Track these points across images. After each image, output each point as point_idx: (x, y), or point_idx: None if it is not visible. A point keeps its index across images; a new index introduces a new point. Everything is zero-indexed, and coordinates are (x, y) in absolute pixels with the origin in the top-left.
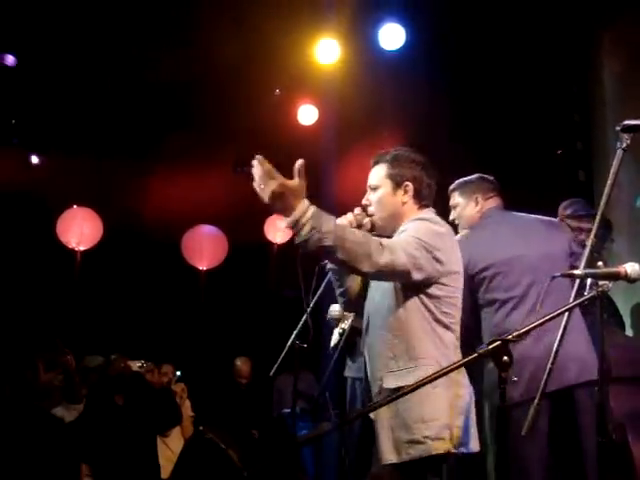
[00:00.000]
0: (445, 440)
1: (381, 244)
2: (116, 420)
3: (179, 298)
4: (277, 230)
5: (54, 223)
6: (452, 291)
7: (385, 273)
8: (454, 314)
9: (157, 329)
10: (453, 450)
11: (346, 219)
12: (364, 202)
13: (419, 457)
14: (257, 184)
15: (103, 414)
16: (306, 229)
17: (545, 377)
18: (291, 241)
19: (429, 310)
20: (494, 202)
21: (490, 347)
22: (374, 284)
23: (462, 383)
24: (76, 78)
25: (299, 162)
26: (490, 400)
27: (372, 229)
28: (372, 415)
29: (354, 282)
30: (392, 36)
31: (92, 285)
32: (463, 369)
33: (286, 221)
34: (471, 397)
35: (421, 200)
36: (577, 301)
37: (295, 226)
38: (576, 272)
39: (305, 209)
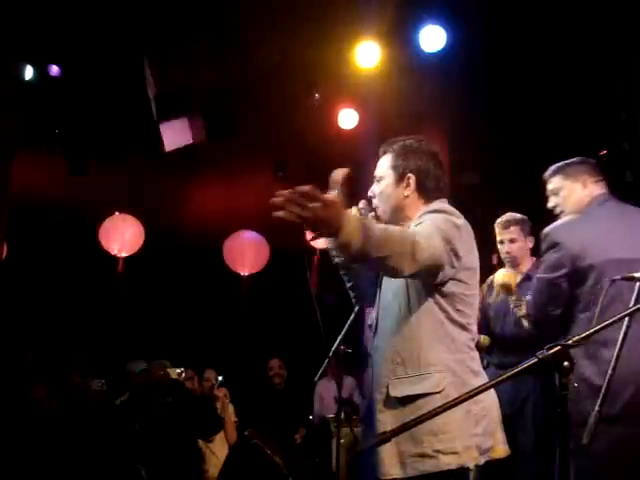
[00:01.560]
0: (459, 454)
1: (416, 240)
2: (157, 426)
3: (221, 304)
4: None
5: (96, 230)
6: (468, 288)
7: (423, 272)
8: (470, 314)
9: (199, 334)
10: (469, 465)
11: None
12: (369, 194)
13: (427, 473)
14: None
15: (146, 420)
16: (356, 244)
17: (605, 385)
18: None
19: (443, 310)
20: (603, 187)
21: (550, 352)
22: (385, 283)
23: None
24: (118, 87)
25: (342, 172)
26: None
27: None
28: (378, 423)
29: (361, 277)
30: (433, 38)
31: (134, 291)
32: (482, 372)
33: (333, 242)
34: (494, 400)
35: (427, 193)
36: (637, 306)
37: (346, 246)
38: (636, 275)
39: (352, 227)
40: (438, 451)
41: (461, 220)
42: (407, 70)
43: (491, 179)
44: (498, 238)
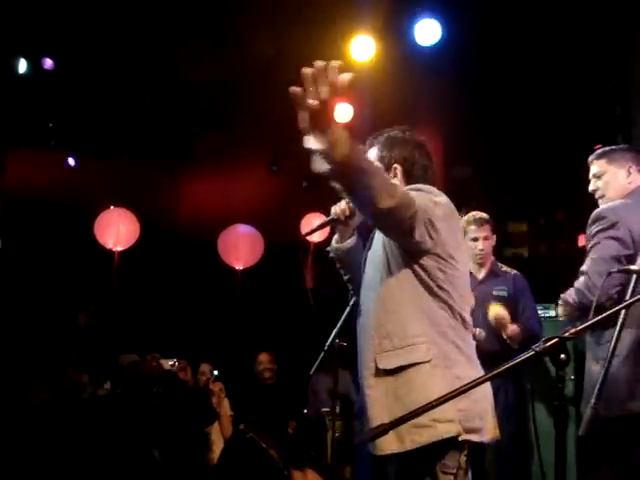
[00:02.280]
0: (454, 422)
1: (395, 184)
2: (150, 418)
3: (215, 297)
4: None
5: (92, 224)
6: (451, 268)
7: (397, 212)
8: (453, 295)
9: (193, 328)
10: (465, 435)
11: (339, 207)
12: None
13: (425, 444)
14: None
15: (138, 412)
16: (343, 150)
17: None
18: (328, 240)
19: (424, 283)
20: None
21: (547, 344)
22: (368, 260)
23: (465, 366)
24: (112, 81)
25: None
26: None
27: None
28: (368, 399)
29: (357, 270)
30: (428, 32)
31: (130, 285)
32: (470, 353)
33: (323, 140)
34: (486, 386)
35: (414, 183)
36: (633, 299)
37: (335, 145)
38: (633, 267)
39: (343, 133)
40: (434, 420)
41: (440, 198)
42: (402, 64)
43: (484, 172)
44: (472, 235)
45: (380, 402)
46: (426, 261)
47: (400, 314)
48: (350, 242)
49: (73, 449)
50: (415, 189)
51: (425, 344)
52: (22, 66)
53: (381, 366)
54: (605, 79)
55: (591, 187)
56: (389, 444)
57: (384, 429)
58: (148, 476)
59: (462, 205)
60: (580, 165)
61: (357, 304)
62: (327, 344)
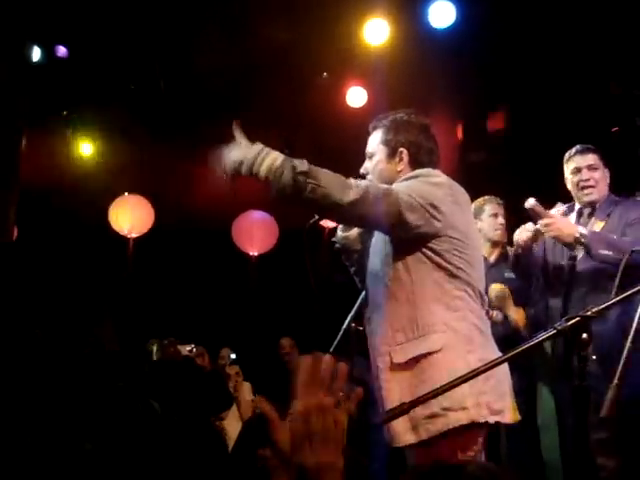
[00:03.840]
0: (468, 409)
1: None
2: (168, 404)
3: (230, 284)
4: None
5: (106, 211)
6: (464, 246)
7: (368, 208)
8: (470, 272)
9: (209, 314)
10: (481, 419)
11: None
12: (362, 171)
13: (439, 432)
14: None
15: (157, 398)
16: (286, 175)
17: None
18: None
19: (442, 268)
20: None
21: (569, 323)
22: (372, 250)
23: (486, 345)
24: (126, 67)
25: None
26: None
27: None
28: (384, 392)
29: (363, 262)
30: (442, 13)
31: (144, 271)
32: (487, 331)
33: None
34: (504, 366)
35: (421, 167)
36: None
37: (273, 175)
38: None
39: (270, 156)
40: (447, 409)
41: (440, 179)
42: (416, 47)
43: (501, 157)
44: (490, 212)
45: (396, 395)
46: (439, 245)
47: (413, 305)
48: (356, 230)
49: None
50: (411, 176)
51: (437, 333)
52: (36, 54)
53: (395, 360)
54: (624, 62)
55: (585, 176)
56: (404, 435)
57: (394, 414)
58: (157, 461)
59: (478, 190)
60: (598, 149)
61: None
62: (343, 328)
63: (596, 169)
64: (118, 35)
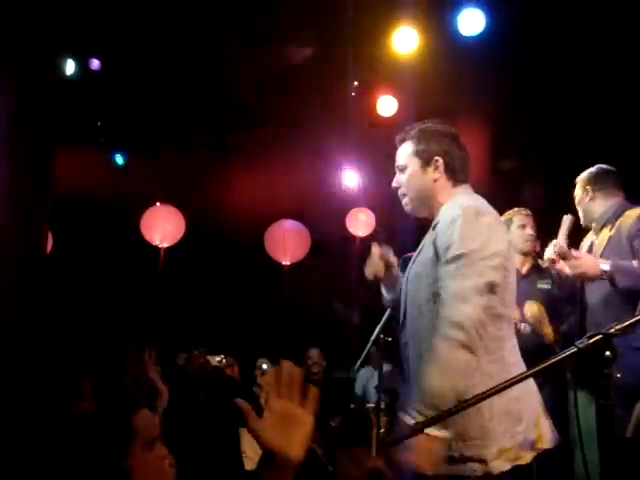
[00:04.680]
0: (487, 463)
1: (452, 329)
2: (198, 415)
3: (262, 293)
4: (359, 223)
5: (138, 220)
6: (508, 275)
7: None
8: (512, 300)
9: (240, 324)
10: (496, 471)
11: (369, 269)
12: (394, 185)
13: (455, 474)
14: None
15: (186, 409)
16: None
17: None
18: (373, 234)
19: (490, 307)
20: None
21: (591, 341)
22: (415, 280)
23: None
24: (158, 79)
25: None
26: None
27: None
28: (409, 420)
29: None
30: (471, 21)
31: (176, 281)
32: (519, 361)
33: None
34: (532, 387)
35: (454, 175)
36: None
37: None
38: None
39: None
40: (465, 457)
41: (488, 214)
42: (445, 55)
43: (532, 164)
44: (519, 223)
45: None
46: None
47: None
48: (399, 287)
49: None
50: (460, 214)
51: (474, 377)
52: (70, 68)
53: None
54: None
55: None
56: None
57: (415, 429)
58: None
59: (509, 198)
60: (634, 154)
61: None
62: (371, 339)
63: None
64: (150, 47)
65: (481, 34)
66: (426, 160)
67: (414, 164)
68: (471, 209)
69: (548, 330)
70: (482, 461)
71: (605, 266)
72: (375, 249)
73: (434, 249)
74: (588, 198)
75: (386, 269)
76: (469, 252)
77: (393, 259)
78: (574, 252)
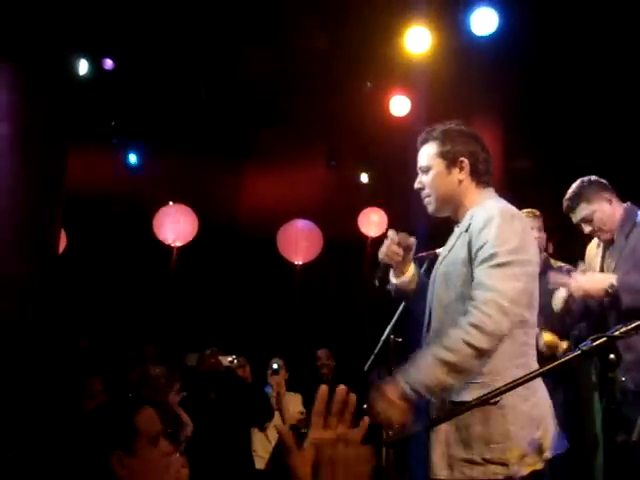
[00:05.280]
0: (508, 466)
1: (482, 315)
2: (209, 414)
3: (275, 293)
4: (371, 223)
5: (151, 220)
6: (533, 280)
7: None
8: (537, 306)
9: (252, 324)
10: (518, 475)
11: (388, 251)
12: (416, 186)
13: (475, 479)
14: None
15: (197, 409)
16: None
17: None
18: (384, 235)
19: (519, 314)
20: None
21: (595, 344)
22: (444, 280)
23: (539, 387)
24: (170, 79)
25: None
26: None
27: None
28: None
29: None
30: (484, 21)
31: (189, 280)
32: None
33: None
34: (546, 394)
35: (479, 176)
36: None
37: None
38: None
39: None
40: (487, 460)
41: (516, 219)
42: (458, 55)
43: (545, 165)
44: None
45: (440, 430)
46: None
47: None
48: (408, 275)
49: None
50: (492, 216)
51: (499, 383)
52: (83, 67)
53: (450, 397)
54: None
55: (587, 230)
56: (439, 469)
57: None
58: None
59: (522, 198)
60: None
61: (421, 322)
62: (382, 340)
63: (591, 218)
64: (162, 47)
65: (494, 34)
66: (451, 161)
67: (439, 165)
68: (508, 211)
69: (564, 349)
70: (504, 464)
71: (613, 280)
72: (391, 233)
73: (468, 249)
74: (609, 204)
75: (405, 252)
76: (505, 251)
77: (412, 241)
78: (574, 275)
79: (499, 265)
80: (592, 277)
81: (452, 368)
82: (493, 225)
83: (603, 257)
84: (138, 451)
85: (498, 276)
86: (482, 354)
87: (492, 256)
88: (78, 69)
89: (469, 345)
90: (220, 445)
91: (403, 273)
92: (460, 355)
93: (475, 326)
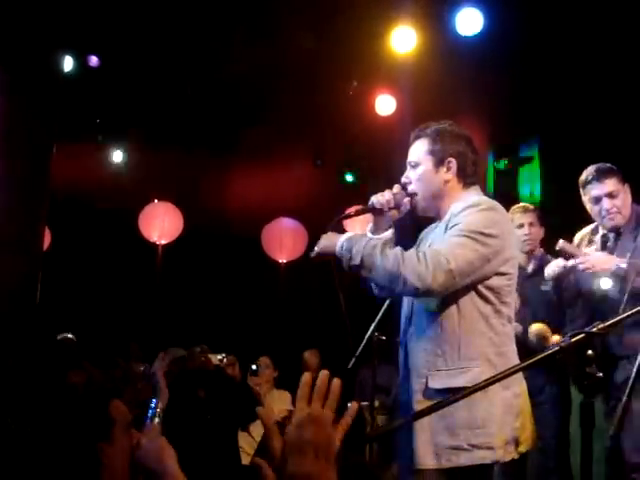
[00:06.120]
0: (494, 450)
1: (424, 261)
2: (198, 413)
3: (259, 291)
4: (355, 222)
5: (136, 217)
6: (510, 278)
7: (432, 293)
8: (512, 304)
9: (237, 321)
10: (504, 459)
11: (383, 197)
12: (403, 180)
13: (461, 465)
14: None
15: (185, 407)
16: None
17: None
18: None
19: (489, 302)
20: None
21: (573, 340)
22: None
23: (522, 382)
24: (156, 76)
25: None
26: None
27: (413, 210)
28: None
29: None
30: (469, 21)
31: (173, 278)
32: (518, 361)
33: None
34: (525, 390)
35: (465, 178)
36: None
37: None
38: None
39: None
40: (473, 445)
41: (497, 211)
42: (444, 54)
43: (528, 165)
44: (517, 222)
45: (425, 420)
46: (492, 281)
47: (457, 335)
48: (387, 235)
49: None
50: (471, 206)
51: (479, 367)
52: (68, 64)
53: (430, 385)
54: None
55: (607, 206)
56: (425, 459)
57: (406, 420)
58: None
59: (506, 197)
60: (615, 169)
61: (399, 311)
62: (366, 337)
63: (617, 195)
64: (148, 44)
65: (479, 34)
66: (440, 160)
67: (427, 162)
68: (487, 202)
69: (553, 341)
70: (490, 448)
71: (622, 264)
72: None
73: (444, 233)
74: (624, 191)
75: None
76: (472, 230)
77: (407, 201)
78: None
79: (459, 235)
80: (601, 254)
81: (372, 263)
82: (471, 211)
83: (603, 249)
84: (115, 440)
85: (454, 242)
86: (398, 283)
87: (458, 230)
88: (63, 66)
89: (397, 268)
90: (208, 443)
91: (380, 229)
92: (387, 264)
93: (412, 264)
